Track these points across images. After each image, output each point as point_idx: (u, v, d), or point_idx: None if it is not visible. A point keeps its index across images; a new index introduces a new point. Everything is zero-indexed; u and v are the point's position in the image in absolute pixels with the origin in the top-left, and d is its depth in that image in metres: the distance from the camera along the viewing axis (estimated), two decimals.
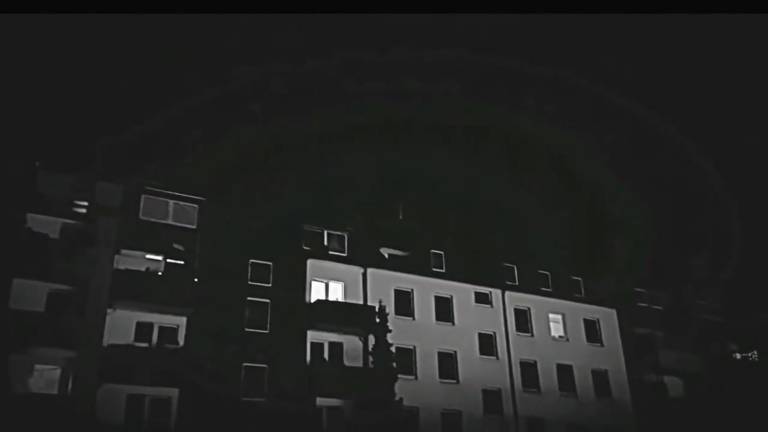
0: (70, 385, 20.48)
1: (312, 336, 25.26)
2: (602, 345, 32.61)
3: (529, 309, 31.37)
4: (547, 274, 33.44)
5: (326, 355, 25.42)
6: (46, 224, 22.05)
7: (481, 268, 31.17)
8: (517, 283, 32.08)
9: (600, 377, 31.61)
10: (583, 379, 31.03)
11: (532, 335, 30.86)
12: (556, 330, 31.86)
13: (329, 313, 25.50)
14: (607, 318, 33.42)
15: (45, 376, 21.11)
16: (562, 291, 33.11)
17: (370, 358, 25.24)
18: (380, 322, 25.52)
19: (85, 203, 22.86)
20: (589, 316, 32.97)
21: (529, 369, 29.83)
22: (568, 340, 31.82)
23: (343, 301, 26.66)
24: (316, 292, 26.35)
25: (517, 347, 29.91)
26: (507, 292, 30.94)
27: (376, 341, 25.27)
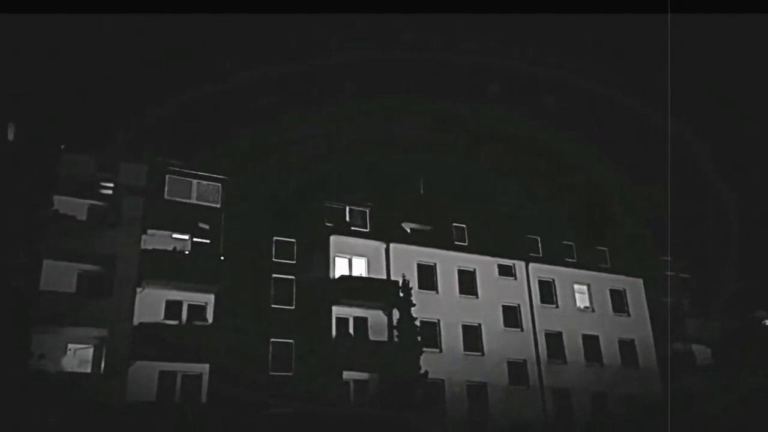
0: (103, 364, 20.93)
1: (337, 311, 25.44)
2: (629, 315, 32.40)
3: (553, 280, 31.20)
4: (572, 245, 33.20)
5: (351, 330, 25.64)
6: (74, 206, 22.40)
7: (504, 241, 31.02)
8: (540, 255, 31.90)
9: (627, 347, 31.48)
10: (609, 350, 30.91)
11: (557, 306, 30.74)
12: (582, 301, 31.69)
13: (353, 289, 25.66)
14: (634, 288, 33.15)
15: (78, 355, 21.65)
16: (587, 262, 32.86)
17: (395, 332, 25.37)
18: (404, 296, 25.59)
19: (111, 184, 23.13)
20: (615, 286, 32.73)
21: (554, 340, 29.77)
22: (593, 310, 31.64)
23: (367, 276, 26.76)
24: (340, 267, 26.48)
25: (541, 319, 29.83)
26: (531, 264, 30.78)
27: (400, 315, 25.36)
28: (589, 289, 31.95)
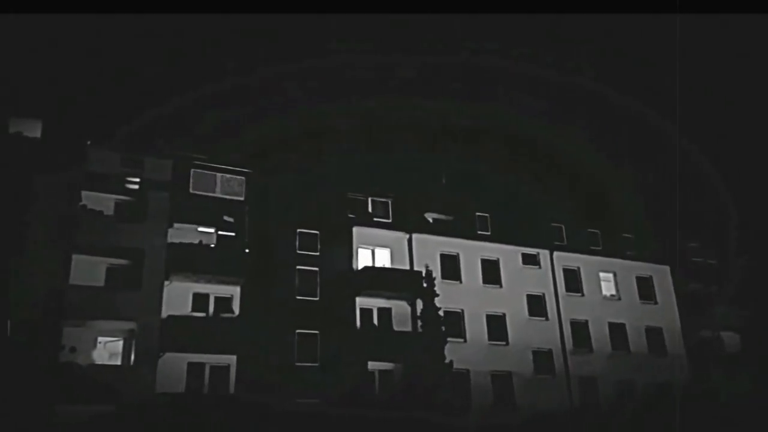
0: (132, 356, 21.30)
1: (361, 302, 25.54)
2: (656, 302, 32.02)
3: (578, 268, 30.94)
4: (597, 233, 32.87)
5: (375, 321, 25.72)
6: (101, 201, 22.75)
7: (527, 230, 30.82)
8: (565, 243, 31.65)
9: (654, 335, 31.13)
10: (636, 337, 30.61)
11: (583, 295, 30.50)
12: (608, 289, 31.40)
13: (377, 280, 25.72)
14: (661, 275, 32.74)
15: (108, 348, 22.02)
16: (613, 249, 32.52)
17: (419, 323, 25.40)
18: (427, 286, 25.57)
19: (137, 179, 23.43)
20: (641, 274, 32.35)
21: (580, 329, 29.55)
22: (619, 298, 31.34)
23: (390, 267, 26.79)
24: (363, 258, 26.55)
25: (567, 307, 29.63)
26: (555, 253, 30.55)
27: (424, 306, 25.37)
28: (615, 277, 31.66)
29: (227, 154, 26.43)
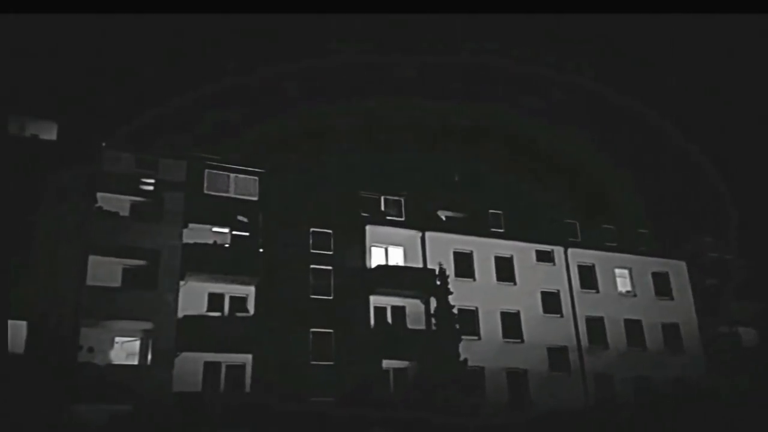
0: (149, 356, 21.48)
1: (375, 300, 25.55)
2: (672, 298, 31.77)
3: (593, 265, 30.74)
4: (612, 229, 32.64)
5: (389, 319, 25.73)
6: (117, 202, 22.94)
7: (541, 226, 30.67)
8: (579, 240, 31.45)
9: (670, 331, 30.89)
10: (652, 334, 30.40)
11: (598, 291, 30.31)
12: (623, 285, 31.18)
13: (390, 278, 25.72)
14: (677, 270, 32.46)
15: (125, 347, 22.22)
16: (628, 245, 32.27)
17: (433, 321, 25.37)
18: (441, 284, 25.54)
19: (152, 180, 23.57)
20: (657, 270, 32.09)
21: (595, 325, 29.39)
22: (635, 295, 31.11)
23: (404, 265, 26.77)
24: (377, 257, 26.56)
25: (582, 304, 29.46)
26: (570, 249, 30.38)
27: (437, 303, 25.34)
28: (630, 273, 31.44)
29: (227, 154, 26.41)
